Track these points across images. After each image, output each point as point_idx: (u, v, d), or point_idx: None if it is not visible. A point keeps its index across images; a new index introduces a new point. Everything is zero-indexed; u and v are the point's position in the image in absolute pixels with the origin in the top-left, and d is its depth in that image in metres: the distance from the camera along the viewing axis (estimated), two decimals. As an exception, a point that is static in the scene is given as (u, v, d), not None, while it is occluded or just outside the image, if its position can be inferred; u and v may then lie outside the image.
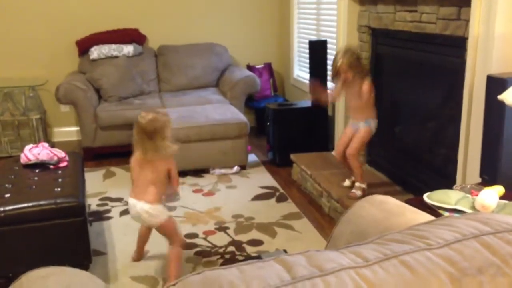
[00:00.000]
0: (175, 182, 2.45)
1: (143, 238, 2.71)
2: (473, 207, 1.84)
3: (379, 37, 3.27)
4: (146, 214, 2.34)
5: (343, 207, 3.00)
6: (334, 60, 2.98)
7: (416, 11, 2.76)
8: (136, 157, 2.37)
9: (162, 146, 2.30)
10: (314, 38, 4.54)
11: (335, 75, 3.01)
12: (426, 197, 1.97)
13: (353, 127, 3.12)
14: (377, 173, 3.41)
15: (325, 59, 3.94)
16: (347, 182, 3.24)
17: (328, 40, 4.01)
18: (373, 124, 3.08)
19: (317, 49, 3.92)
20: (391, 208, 1.54)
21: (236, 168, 4.03)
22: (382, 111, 3.37)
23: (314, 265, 0.90)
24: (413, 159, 3.11)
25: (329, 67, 3.98)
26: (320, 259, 0.93)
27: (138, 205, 2.34)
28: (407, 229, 1.05)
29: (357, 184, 3.11)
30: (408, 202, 1.73)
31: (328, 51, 3.94)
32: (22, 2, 4.77)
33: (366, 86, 2.96)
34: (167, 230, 2.45)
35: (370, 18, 3.24)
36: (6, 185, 2.57)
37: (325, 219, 3.20)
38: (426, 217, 1.45)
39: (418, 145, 3.07)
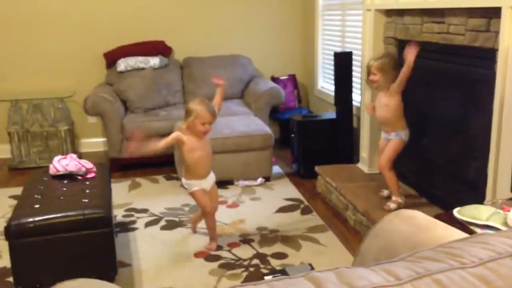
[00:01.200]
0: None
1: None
2: (505, 223, 1.79)
3: (406, 49, 3.23)
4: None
5: (369, 220, 2.96)
6: (369, 61, 3.04)
7: (443, 22, 2.73)
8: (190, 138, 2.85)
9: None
10: (339, 49, 4.53)
11: (367, 76, 3.05)
12: (456, 212, 1.93)
13: (384, 139, 3.11)
14: (403, 186, 3.35)
15: (350, 70, 3.93)
16: (384, 193, 3.21)
17: (353, 51, 3.99)
18: (404, 135, 3.05)
19: (342, 60, 3.90)
20: (420, 223, 1.51)
21: (260, 179, 4.02)
22: (409, 122, 3.33)
23: (345, 282, 0.89)
24: (440, 171, 3.06)
25: (354, 79, 3.97)
26: (351, 276, 0.91)
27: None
28: (440, 247, 1.03)
29: (393, 197, 3.06)
30: (437, 217, 1.69)
31: (354, 62, 3.92)
32: (51, 16, 4.89)
33: (394, 96, 2.96)
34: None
35: (397, 30, 3.22)
36: (36, 196, 2.61)
37: (350, 232, 3.17)
38: (457, 233, 1.41)
39: (446, 157, 3.02)
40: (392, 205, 3.01)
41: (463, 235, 1.33)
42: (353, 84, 3.98)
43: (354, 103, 4.04)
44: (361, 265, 1.59)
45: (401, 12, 3.15)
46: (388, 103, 3.00)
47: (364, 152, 3.73)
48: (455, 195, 2.81)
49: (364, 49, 3.57)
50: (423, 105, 3.21)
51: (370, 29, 3.45)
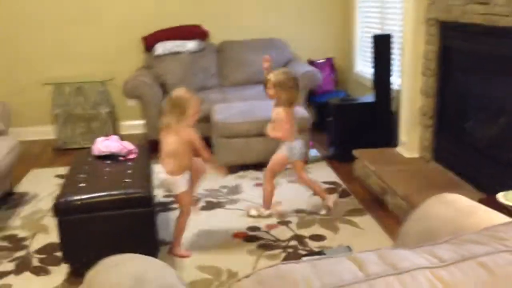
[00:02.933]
0: (203, 154, 2.70)
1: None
2: (551, 208, 1.76)
3: (448, 30, 3.16)
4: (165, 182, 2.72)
5: (409, 205, 2.94)
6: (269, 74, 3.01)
7: (488, 3, 2.64)
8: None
9: (179, 120, 2.59)
10: (378, 31, 4.45)
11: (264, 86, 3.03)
12: (501, 196, 1.90)
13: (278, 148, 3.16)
14: (445, 170, 3.30)
15: (390, 53, 3.86)
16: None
17: (394, 34, 3.92)
18: (287, 150, 3.08)
19: (382, 43, 3.85)
20: (463, 207, 1.49)
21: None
22: (450, 105, 3.27)
23: (388, 263, 0.90)
24: (484, 155, 2.99)
25: (394, 62, 3.91)
26: (394, 257, 0.92)
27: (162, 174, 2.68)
28: (484, 230, 1.03)
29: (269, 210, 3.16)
30: (480, 201, 1.67)
31: (393, 45, 3.86)
32: (93, 3, 4.98)
33: (281, 113, 2.97)
34: (180, 201, 2.74)
35: (439, 11, 3.14)
36: (81, 175, 2.71)
37: (389, 216, 3.15)
38: (501, 217, 1.39)
39: (490, 141, 2.95)
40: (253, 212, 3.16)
41: (507, 219, 1.31)
42: (392, 67, 3.92)
43: (393, 86, 3.98)
44: (402, 247, 1.59)
45: (444, -7, 3.07)
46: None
47: (403, 136, 3.68)
48: (499, 179, 2.75)
49: (405, 31, 3.51)
50: (465, 88, 3.13)
51: (411, 10, 3.37)
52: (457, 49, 3.13)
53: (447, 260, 0.90)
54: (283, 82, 2.94)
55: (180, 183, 2.67)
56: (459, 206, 1.51)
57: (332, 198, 3.24)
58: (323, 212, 3.18)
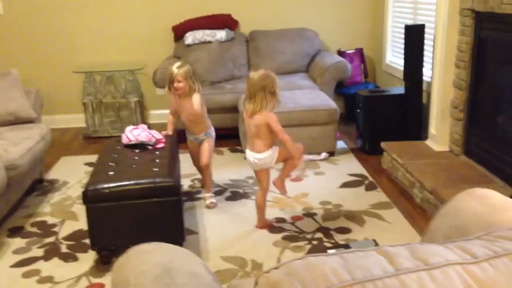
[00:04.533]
0: (279, 135, 2.71)
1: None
2: None
3: (484, 21, 3.07)
4: (256, 162, 2.78)
5: (437, 199, 2.89)
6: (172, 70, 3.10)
7: (527, -8, 2.56)
8: (244, 110, 2.78)
9: (265, 101, 2.65)
10: (410, 22, 4.36)
11: (169, 84, 3.14)
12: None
13: (195, 141, 3.34)
14: (475, 165, 3.23)
15: (422, 44, 3.79)
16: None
17: (426, 24, 3.83)
18: (213, 133, 3.31)
19: (414, 34, 3.77)
20: (495, 203, 1.46)
21: (324, 154, 4.00)
22: (483, 99, 3.19)
23: (419, 258, 0.88)
24: (516, 151, 2.91)
25: (425, 53, 3.83)
26: (425, 252, 0.90)
27: (251, 156, 2.79)
28: (519, 227, 1.00)
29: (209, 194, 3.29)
30: (513, 197, 1.62)
31: (426, 35, 3.78)
32: (123, -10, 5.03)
33: (196, 98, 3.10)
34: (262, 176, 2.86)
35: (474, 1, 3.05)
36: (110, 164, 2.74)
37: (416, 211, 3.10)
38: (535, 214, 1.35)
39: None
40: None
41: (543, 217, 1.27)
42: (424, 58, 3.84)
43: (424, 78, 3.90)
44: (430, 242, 1.56)
45: (480, -18, 2.98)
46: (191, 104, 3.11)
47: (433, 129, 3.62)
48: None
49: (438, 22, 3.43)
50: (500, 81, 3.05)
51: (445, 0, 3.29)
52: (493, 41, 3.04)
53: (480, 257, 0.88)
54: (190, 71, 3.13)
55: (269, 159, 2.78)
56: (491, 201, 1.47)
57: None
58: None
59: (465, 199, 1.52)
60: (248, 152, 2.82)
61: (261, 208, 2.91)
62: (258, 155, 2.75)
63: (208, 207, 3.22)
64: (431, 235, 1.54)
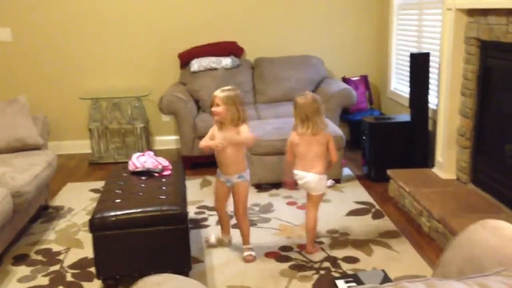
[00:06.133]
0: (334, 154, 2.85)
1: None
2: None
3: (489, 50, 3.09)
4: (313, 183, 2.79)
5: (445, 228, 2.86)
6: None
7: (532, 22, 2.58)
8: (299, 134, 2.79)
9: (321, 121, 2.77)
10: (414, 50, 4.40)
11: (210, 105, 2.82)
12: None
13: (226, 183, 2.89)
14: (483, 194, 3.21)
15: (428, 72, 3.80)
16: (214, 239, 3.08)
17: (431, 52, 3.86)
18: (248, 177, 2.89)
19: (419, 62, 3.79)
20: (508, 235, 1.44)
21: (330, 181, 3.98)
22: (490, 126, 3.18)
23: (438, 295, 0.87)
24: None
25: (431, 81, 3.84)
26: (444, 289, 0.89)
27: (309, 176, 2.79)
28: (538, 262, 0.98)
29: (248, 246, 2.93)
30: (526, 229, 1.60)
31: (431, 63, 3.80)
32: (130, 20, 5.09)
33: (245, 129, 2.75)
34: (318, 199, 2.90)
35: (480, 30, 3.08)
36: (117, 191, 2.74)
37: (424, 240, 3.07)
38: (550, 247, 1.34)
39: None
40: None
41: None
42: (430, 86, 3.86)
43: (430, 105, 3.91)
44: (443, 275, 1.54)
45: (485, 12, 3.01)
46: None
47: (439, 157, 3.60)
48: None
49: (443, 50, 3.45)
50: (506, 109, 3.05)
51: (450, 29, 3.32)
52: (499, 69, 3.06)
53: (501, 294, 0.86)
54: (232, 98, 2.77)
55: (325, 182, 2.89)
56: (504, 233, 1.45)
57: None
58: None
59: (477, 230, 1.50)
60: (301, 173, 2.82)
61: (313, 230, 2.91)
62: (319, 176, 2.81)
63: (246, 261, 2.85)
64: (444, 267, 1.51)
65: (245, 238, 2.93)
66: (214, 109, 2.75)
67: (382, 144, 4.04)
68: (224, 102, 2.72)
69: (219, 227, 3.27)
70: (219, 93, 2.76)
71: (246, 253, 2.89)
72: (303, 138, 2.79)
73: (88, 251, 2.94)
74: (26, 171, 3.13)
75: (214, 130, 2.84)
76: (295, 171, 2.85)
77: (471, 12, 3.18)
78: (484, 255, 1.40)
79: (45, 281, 2.72)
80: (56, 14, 5.02)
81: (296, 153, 2.84)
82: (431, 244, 3.00)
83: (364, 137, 4.17)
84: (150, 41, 5.16)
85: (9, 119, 3.54)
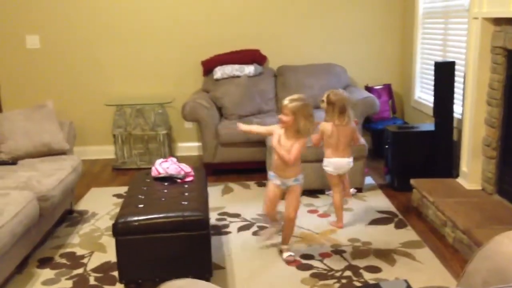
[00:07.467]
0: (356, 141, 3.41)
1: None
2: None
3: (516, 59, 3.05)
4: (348, 166, 3.36)
5: (470, 239, 2.81)
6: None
7: (561, 31, 2.54)
8: (333, 126, 3.24)
9: (351, 115, 3.28)
10: (439, 59, 4.36)
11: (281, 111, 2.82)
12: None
13: (281, 186, 2.92)
14: (509, 205, 3.15)
15: (453, 81, 3.76)
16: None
17: (456, 61, 3.82)
18: (302, 180, 2.95)
19: (444, 71, 3.75)
20: (535, 247, 1.41)
21: (352, 190, 3.96)
22: (517, 137, 3.13)
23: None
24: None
25: (456, 90, 3.80)
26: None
27: (344, 161, 3.33)
28: None
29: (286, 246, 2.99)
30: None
31: (456, 73, 3.76)
32: (155, 28, 5.16)
33: (299, 144, 2.78)
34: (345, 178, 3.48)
35: (507, 39, 3.03)
36: (140, 196, 2.77)
37: (448, 250, 3.02)
38: None
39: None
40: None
41: None
42: (455, 95, 3.81)
43: (455, 115, 3.86)
44: (468, 286, 1.52)
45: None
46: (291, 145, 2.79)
47: (464, 167, 3.55)
48: None
49: (469, 59, 3.41)
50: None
51: (476, 38, 3.28)
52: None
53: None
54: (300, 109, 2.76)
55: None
56: (531, 245, 1.43)
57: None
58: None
59: (503, 242, 1.48)
60: (338, 159, 3.32)
61: (340, 208, 3.39)
62: (351, 159, 3.37)
63: (286, 261, 2.91)
64: (468, 279, 1.50)
65: (287, 238, 2.99)
66: (281, 117, 2.79)
67: (405, 153, 4.00)
68: (291, 112, 2.73)
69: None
70: (287, 103, 2.75)
71: (286, 254, 2.95)
72: (338, 128, 3.23)
73: (111, 255, 2.97)
74: (52, 176, 3.19)
75: (281, 131, 2.84)
76: (331, 160, 3.32)
77: (498, 21, 3.14)
78: (510, 267, 1.38)
79: (68, 284, 2.76)
80: (83, 23, 5.12)
81: (329, 143, 3.30)
82: (455, 255, 2.95)
83: (386, 146, 4.14)
84: (173, 49, 5.22)
85: (36, 124, 3.61)
